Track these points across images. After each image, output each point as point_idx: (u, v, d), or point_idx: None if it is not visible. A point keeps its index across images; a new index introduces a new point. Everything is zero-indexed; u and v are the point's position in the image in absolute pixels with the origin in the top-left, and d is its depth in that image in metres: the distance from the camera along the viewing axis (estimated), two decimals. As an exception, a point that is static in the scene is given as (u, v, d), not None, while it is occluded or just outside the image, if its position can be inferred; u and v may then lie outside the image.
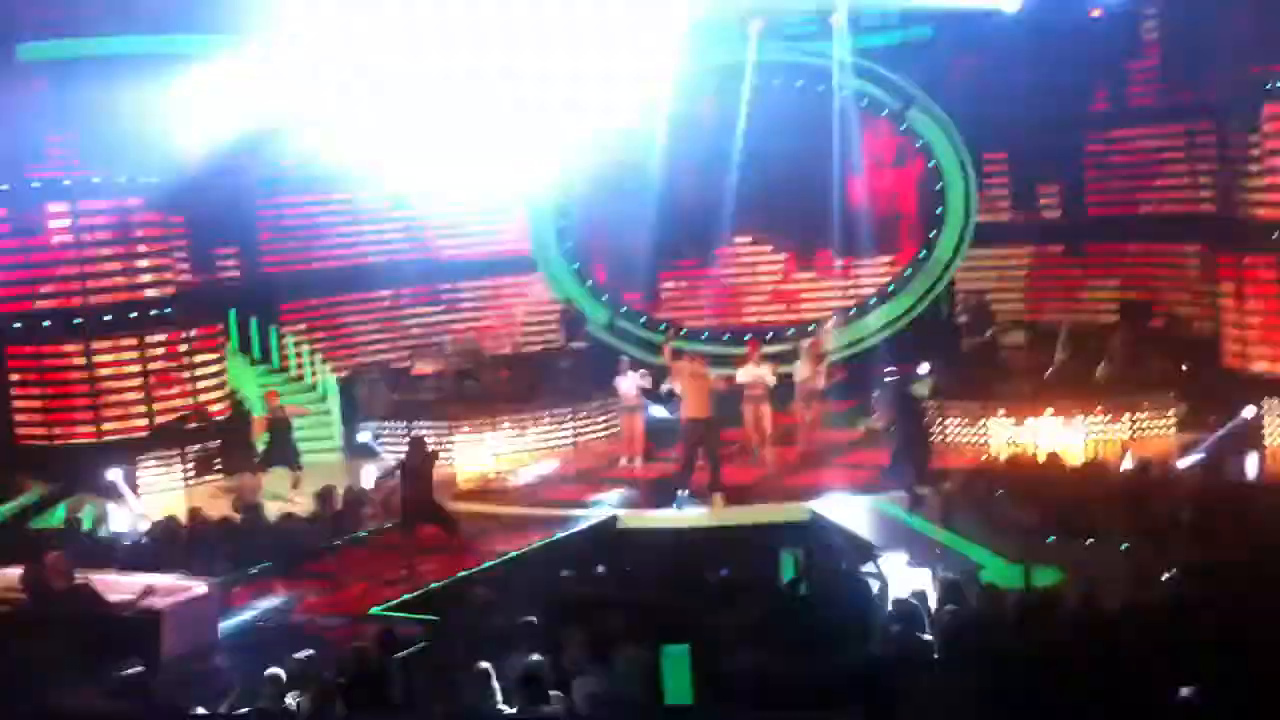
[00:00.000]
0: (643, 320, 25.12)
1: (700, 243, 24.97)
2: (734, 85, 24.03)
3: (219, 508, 18.38)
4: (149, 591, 12.44)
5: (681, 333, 23.80)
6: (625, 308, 25.42)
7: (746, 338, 22.74)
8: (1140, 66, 23.57)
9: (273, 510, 18.25)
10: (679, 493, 18.25)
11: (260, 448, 19.98)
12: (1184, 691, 8.61)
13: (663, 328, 23.73)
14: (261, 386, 21.84)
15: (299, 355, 22.96)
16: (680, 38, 22.74)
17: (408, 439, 18.95)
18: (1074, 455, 18.65)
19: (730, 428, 20.10)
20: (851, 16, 23.78)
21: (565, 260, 25.48)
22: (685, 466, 18.39)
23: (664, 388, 19.80)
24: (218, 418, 20.85)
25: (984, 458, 19.27)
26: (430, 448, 18.03)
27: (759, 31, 23.75)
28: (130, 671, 9.89)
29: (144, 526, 17.47)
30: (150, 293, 20.61)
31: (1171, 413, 19.50)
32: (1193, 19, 21.91)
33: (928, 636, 10.83)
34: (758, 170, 23.75)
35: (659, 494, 18.73)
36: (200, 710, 10.19)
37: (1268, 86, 19.24)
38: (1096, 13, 23.34)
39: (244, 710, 10.38)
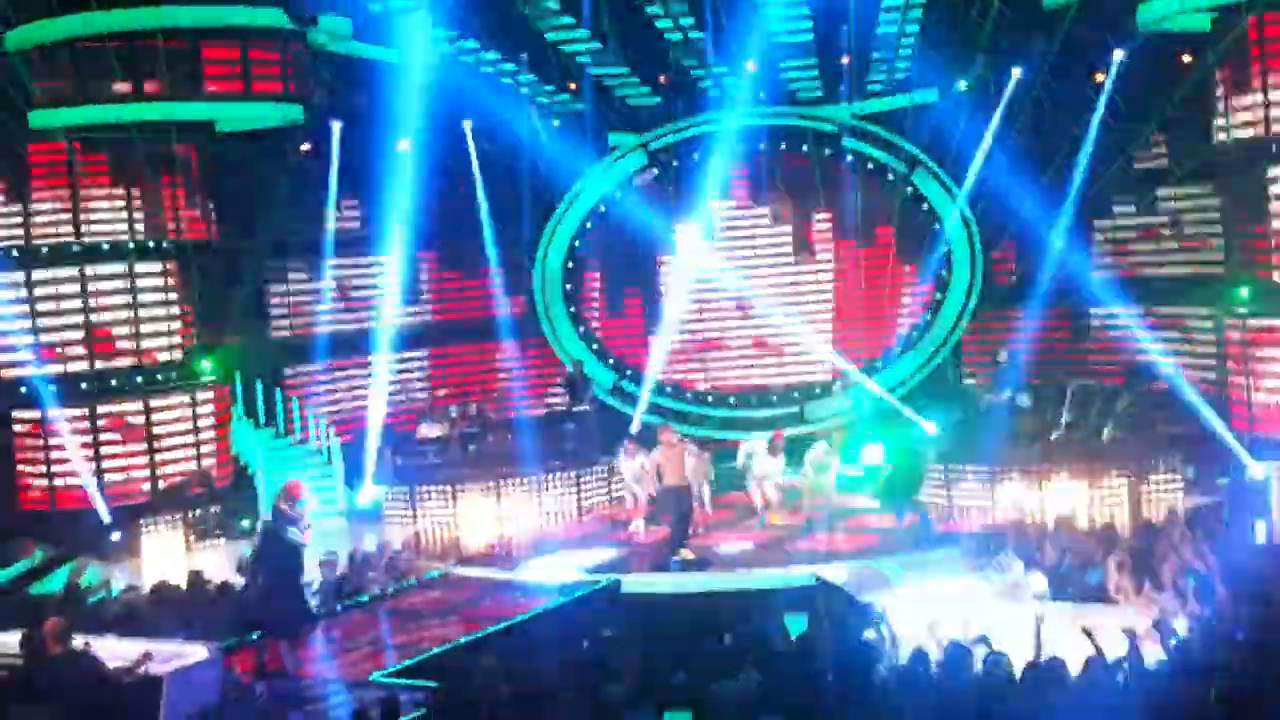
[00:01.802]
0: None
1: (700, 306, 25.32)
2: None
3: (220, 572, 18.27)
4: (148, 657, 12.32)
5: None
6: (630, 370, 25.42)
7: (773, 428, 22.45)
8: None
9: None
10: (673, 557, 18.43)
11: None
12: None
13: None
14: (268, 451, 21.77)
15: (304, 419, 22.87)
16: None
17: (260, 530, 15.43)
18: (1081, 517, 18.56)
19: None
20: (855, 81, 23.93)
21: (570, 323, 25.58)
22: (677, 532, 18.70)
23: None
24: (221, 482, 20.80)
25: (991, 520, 19.16)
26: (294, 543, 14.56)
27: None
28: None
29: (145, 590, 17.38)
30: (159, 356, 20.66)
31: (1178, 475, 19.37)
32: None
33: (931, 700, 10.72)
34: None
35: (662, 558, 18.68)
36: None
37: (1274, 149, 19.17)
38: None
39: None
